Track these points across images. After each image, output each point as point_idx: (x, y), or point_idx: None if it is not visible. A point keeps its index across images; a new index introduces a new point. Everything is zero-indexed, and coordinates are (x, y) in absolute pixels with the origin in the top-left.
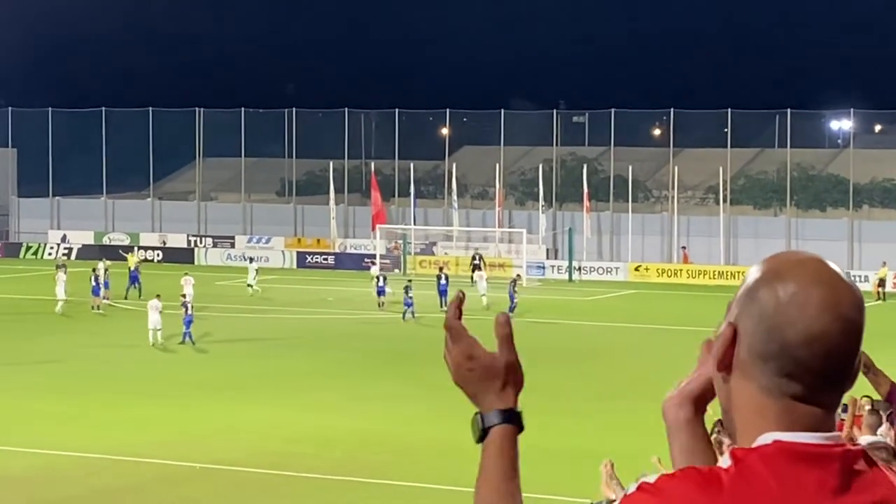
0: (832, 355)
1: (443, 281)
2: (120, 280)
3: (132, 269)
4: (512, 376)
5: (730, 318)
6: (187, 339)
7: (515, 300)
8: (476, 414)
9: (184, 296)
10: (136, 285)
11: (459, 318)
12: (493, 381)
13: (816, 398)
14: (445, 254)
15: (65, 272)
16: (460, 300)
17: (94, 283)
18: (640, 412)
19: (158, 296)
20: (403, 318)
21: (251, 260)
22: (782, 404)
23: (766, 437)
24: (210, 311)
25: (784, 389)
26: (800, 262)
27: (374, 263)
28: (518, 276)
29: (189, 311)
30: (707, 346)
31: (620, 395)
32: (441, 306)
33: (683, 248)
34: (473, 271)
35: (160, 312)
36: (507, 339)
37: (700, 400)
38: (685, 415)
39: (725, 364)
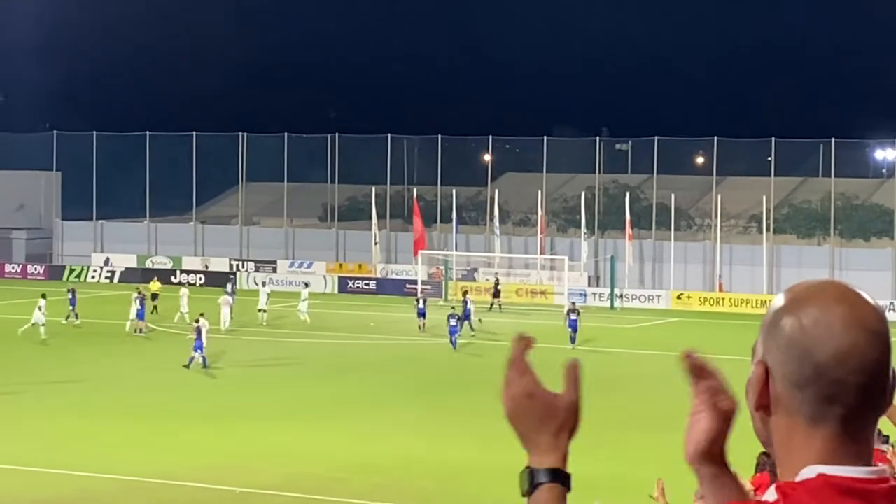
0: (866, 369)
1: (468, 305)
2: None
3: (154, 293)
4: (571, 419)
5: (757, 357)
6: (192, 363)
7: (577, 332)
8: (526, 468)
9: (197, 320)
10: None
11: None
12: (551, 422)
13: (858, 420)
14: (487, 280)
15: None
16: (529, 341)
17: (138, 307)
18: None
19: (202, 314)
20: (454, 346)
21: (263, 283)
22: (825, 432)
23: (811, 471)
24: (251, 334)
25: (826, 415)
26: (817, 287)
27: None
28: (573, 303)
29: (200, 336)
30: (694, 370)
31: (660, 426)
32: (471, 330)
33: (720, 277)
34: (494, 297)
35: (207, 332)
36: (575, 381)
37: (712, 452)
38: (708, 472)
39: (763, 404)
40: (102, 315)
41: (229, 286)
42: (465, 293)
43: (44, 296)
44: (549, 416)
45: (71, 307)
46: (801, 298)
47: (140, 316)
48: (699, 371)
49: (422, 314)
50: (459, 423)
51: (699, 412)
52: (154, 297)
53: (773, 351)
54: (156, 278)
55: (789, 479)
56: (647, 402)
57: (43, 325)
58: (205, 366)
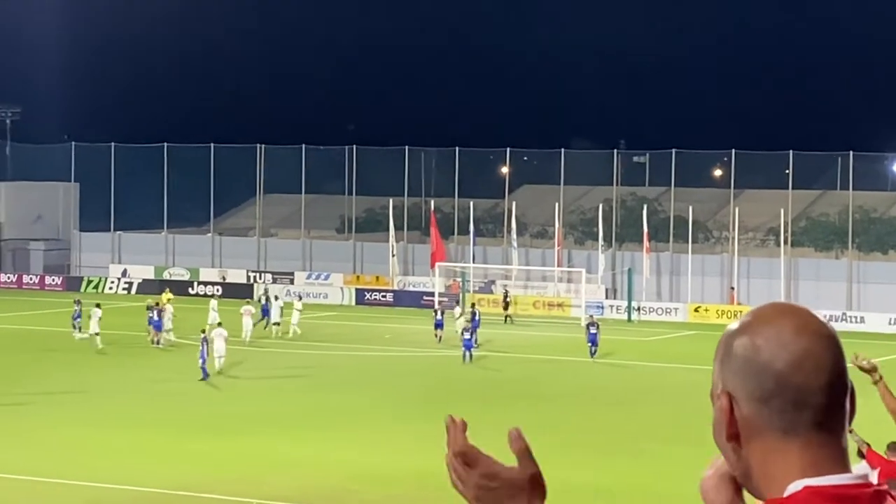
0: (824, 369)
1: (476, 317)
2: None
3: (161, 306)
4: (537, 490)
5: (717, 391)
6: (208, 375)
7: (597, 345)
8: None
9: (203, 330)
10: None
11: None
12: (519, 498)
13: (829, 423)
14: (505, 292)
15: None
16: (462, 425)
17: (155, 318)
18: (697, 456)
19: (220, 324)
20: (467, 360)
21: (276, 297)
22: (800, 442)
23: (796, 485)
24: (268, 346)
25: (797, 422)
26: (760, 309)
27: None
28: (592, 316)
29: (204, 348)
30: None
31: (678, 438)
32: (475, 343)
33: (731, 288)
34: (506, 308)
35: (226, 340)
36: (524, 452)
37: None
38: (725, 498)
39: (733, 433)
40: (119, 326)
41: (263, 297)
42: (473, 305)
43: (98, 305)
44: (516, 492)
45: (76, 319)
46: (748, 321)
47: (157, 327)
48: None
49: (439, 325)
50: (476, 435)
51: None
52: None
53: (731, 377)
54: (167, 290)
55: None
56: (665, 415)
57: (97, 334)
58: (204, 377)
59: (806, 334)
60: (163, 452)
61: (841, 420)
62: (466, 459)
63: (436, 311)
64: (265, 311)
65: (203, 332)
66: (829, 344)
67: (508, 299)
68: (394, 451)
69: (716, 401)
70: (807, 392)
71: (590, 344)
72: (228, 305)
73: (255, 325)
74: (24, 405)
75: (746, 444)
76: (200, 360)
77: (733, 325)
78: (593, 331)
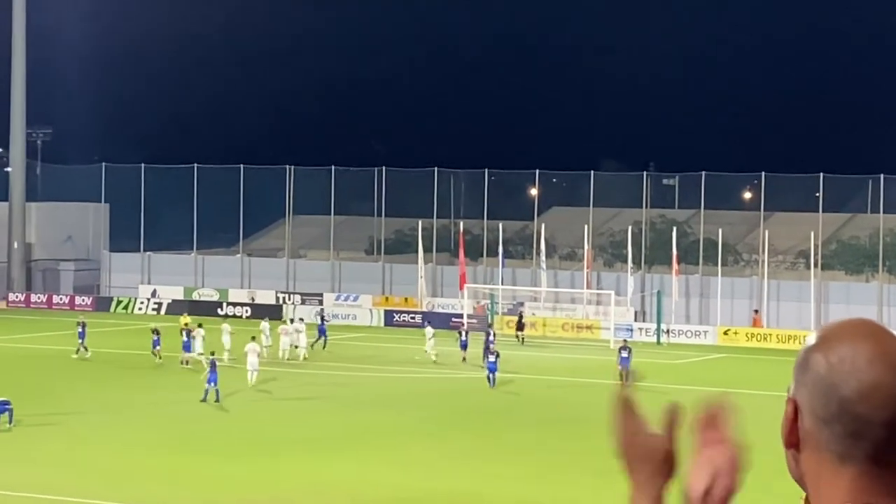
0: (890, 403)
1: (490, 337)
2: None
3: (185, 330)
4: (666, 464)
5: (789, 395)
6: (207, 396)
7: (628, 368)
8: None
9: (213, 353)
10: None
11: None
12: (647, 464)
13: (886, 456)
14: (533, 314)
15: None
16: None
17: (184, 339)
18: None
19: (253, 338)
20: (492, 383)
21: (301, 319)
22: (854, 470)
23: None
24: (297, 367)
25: (853, 452)
26: (845, 325)
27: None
28: (625, 340)
29: (215, 370)
30: (701, 425)
31: None
32: (483, 361)
33: (755, 311)
34: (518, 330)
35: (258, 355)
36: (670, 427)
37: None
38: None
39: (793, 441)
40: (145, 346)
41: (318, 317)
42: (489, 325)
43: (200, 325)
44: (645, 459)
45: (80, 340)
46: (829, 337)
47: (187, 348)
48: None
49: (464, 346)
50: (503, 457)
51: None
52: (187, 333)
53: (802, 388)
54: (186, 313)
55: None
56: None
57: (202, 354)
58: (217, 399)
59: (881, 364)
60: (194, 475)
61: None
62: (624, 408)
63: (461, 333)
64: (321, 332)
65: (213, 354)
66: None
67: (524, 321)
68: (424, 472)
69: (785, 403)
70: (868, 423)
71: (621, 368)
72: (257, 326)
73: (311, 344)
74: (54, 425)
75: (804, 454)
76: (208, 384)
77: (816, 335)
78: (625, 354)
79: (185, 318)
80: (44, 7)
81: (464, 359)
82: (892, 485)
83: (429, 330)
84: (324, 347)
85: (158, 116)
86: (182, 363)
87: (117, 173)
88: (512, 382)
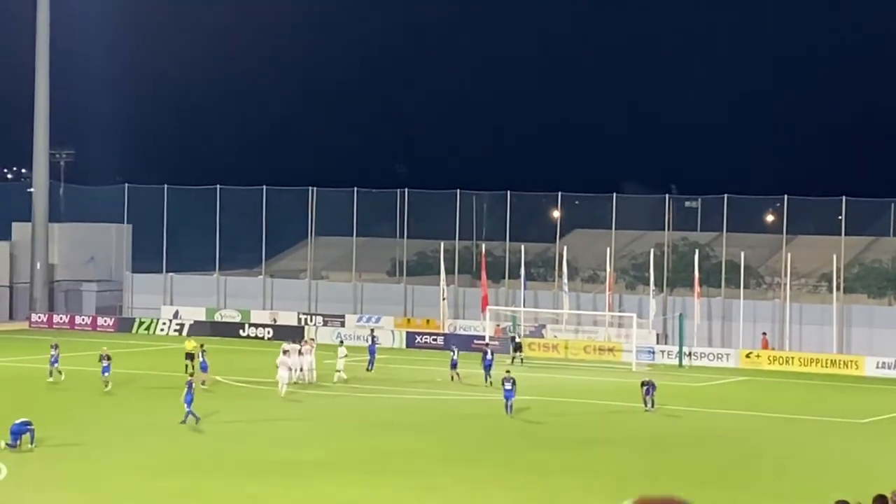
0: None
1: (488, 356)
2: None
3: (189, 353)
4: None
5: None
6: (188, 417)
7: (652, 400)
8: None
9: (191, 374)
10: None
11: None
12: None
13: None
14: (555, 336)
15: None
16: None
17: (201, 360)
18: (747, 503)
19: (286, 352)
20: (509, 410)
21: (312, 339)
22: None
23: None
24: (319, 388)
25: None
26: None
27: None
28: (650, 382)
29: (191, 389)
30: None
31: (731, 484)
32: (485, 381)
33: (764, 334)
34: (515, 351)
35: (290, 369)
36: None
37: None
38: None
39: None
40: (166, 367)
41: (369, 337)
42: (487, 344)
43: (342, 342)
44: None
45: (53, 364)
46: None
47: (204, 368)
48: None
49: (489, 367)
50: (525, 482)
51: None
52: (189, 356)
53: None
54: (191, 337)
55: None
56: (717, 461)
57: (339, 370)
58: (195, 419)
59: None
60: (220, 497)
61: None
62: None
63: (485, 354)
64: (371, 352)
65: (191, 375)
66: None
67: (519, 341)
68: (444, 496)
69: None
70: None
71: (647, 397)
72: (279, 348)
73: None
74: (76, 446)
75: None
76: (186, 405)
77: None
78: (647, 388)
79: (191, 342)
80: (67, 29)
81: (488, 382)
82: None
83: (341, 350)
84: (368, 369)
85: (181, 137)
86: (202, 384)
87: (140, 194)
88: (532, 404)
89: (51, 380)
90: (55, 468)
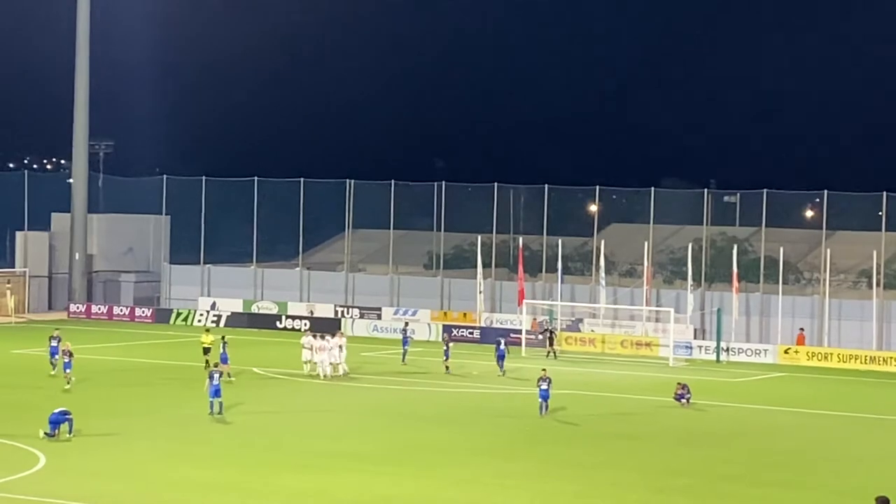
0: None
1: (501, 346)
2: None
3: (207, 346)
4: None
5: None
6: (214, 408)
7: (686, 399)
8: None
9: (216, 364)
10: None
11: None
12: None
13: None
14: (592, 331)
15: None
16: None
17: (222, 351)
18: (787, 499)
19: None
20: (543, 411)
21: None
22: None
23: None
24: (355, 381)
25: None
26: None
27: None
28: (684, 386)
29: (216, 380)
30: None
31: (769, 480)
32: (499, 371)
33: (801, 329)
34: (550, 344)
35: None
36: None
37: None
38: None
39: None
40: (203, 358)
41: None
42: (499, 335)
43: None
44: None
45: (52, 356)
46: None
47: (224, 360)
48: None
49: (501, 357)
50: (561, 475)
51: None
52: (206, 350)
53: None
54: (207, 331)
55: None
56: (755, 457)
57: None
58: (220, 411)
59: None
60: (254, 489)
61: None
62: None
63: (498, 344)
64: (405, 344)
65: (216, 364)
66: None
67: (551, 331)
68: (482, 490)
69: None
70: None
71: (680, 400)
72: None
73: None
74: (114, 435)
75: None
76: (211, 396)
77: None
78: (681, 391)
79: (209, 336)
80: (107, 20)
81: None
82: None
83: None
84: (403, 362)
85: (220, 129)
86: (228, 376)
87: (178, 185)
88: (568, 399)
89: (53, 373)
90: (93, 458)
